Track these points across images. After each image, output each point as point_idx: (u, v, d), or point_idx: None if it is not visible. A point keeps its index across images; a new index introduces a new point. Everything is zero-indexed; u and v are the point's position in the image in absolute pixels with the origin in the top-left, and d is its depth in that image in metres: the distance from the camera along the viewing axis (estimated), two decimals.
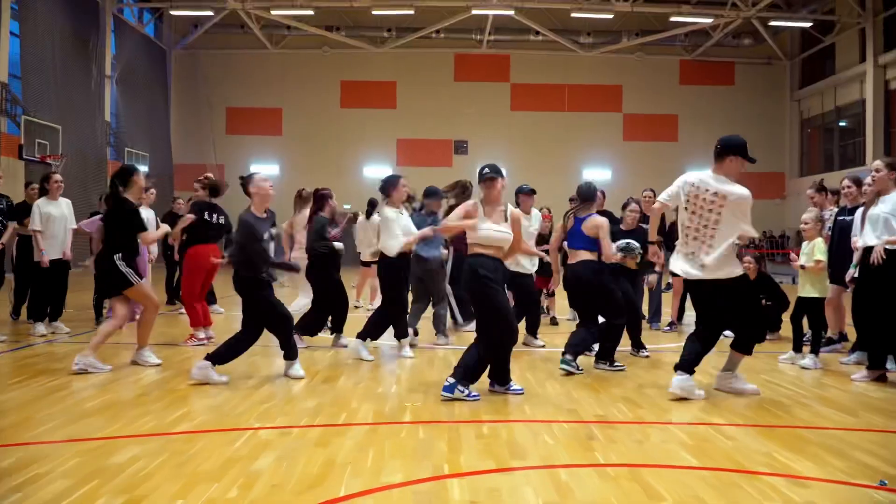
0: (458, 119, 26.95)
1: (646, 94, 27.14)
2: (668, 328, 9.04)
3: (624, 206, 7.26)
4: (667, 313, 9.37)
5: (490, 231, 5.09)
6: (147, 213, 7.92)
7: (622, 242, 6.60)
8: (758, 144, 23.45)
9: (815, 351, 6.54)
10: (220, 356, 5.50)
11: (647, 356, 6.99)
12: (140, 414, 4.54)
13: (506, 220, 5.21)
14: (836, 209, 7.52)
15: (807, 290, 6.60)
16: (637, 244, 6.57)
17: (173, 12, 24.65)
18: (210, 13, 24.45)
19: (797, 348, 6.75)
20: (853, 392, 5.50)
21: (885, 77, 22.44)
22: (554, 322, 9.62)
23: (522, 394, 5.17)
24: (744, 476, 3.47)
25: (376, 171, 24.52)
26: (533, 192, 7.76)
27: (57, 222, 7.78)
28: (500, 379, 5.23)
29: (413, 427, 4.32)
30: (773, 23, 24.05)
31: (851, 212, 7.14)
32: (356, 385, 5.54)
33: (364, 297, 11.38)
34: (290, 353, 5.78)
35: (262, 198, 5.70)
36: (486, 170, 5.26)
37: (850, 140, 24.76)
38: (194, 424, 4.33)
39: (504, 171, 5.33)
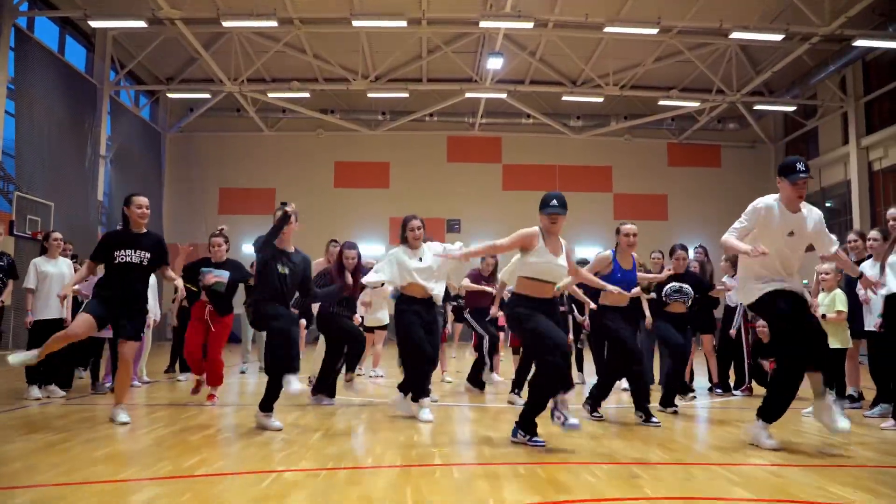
0: (450, 198, 27.21)
1: (635, 175, 27.63)
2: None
3: (671, 253, 7.39)
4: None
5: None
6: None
7: (675, 285, 6.69)
8: None
9: (841, 396, 6.40)
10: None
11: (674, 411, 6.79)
12: (153, 461, 4.30)
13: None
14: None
15: (830, 341, 6.50)
16: (690, 289, 6.63)
17: (170, 95, 25.08)
18: (207, 96, 24.89)
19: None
20: (887, 439, 5.34)
21: (869, 158, 23.03)
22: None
23: (544, 446, 4.86)
24: None
25: (369, 248, 24.47)
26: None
27: (54, 281, 7.55)
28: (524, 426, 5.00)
29: (446, 469, 4.11)
30: (757, 107, 24.78)
31: (858, 265, 7.19)
32: (375, 434, 5.31)
33: (367, 365, 11.16)
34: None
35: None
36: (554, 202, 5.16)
37: (836, 220, 25.15)
38: (214, 468, 4.10)
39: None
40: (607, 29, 18.71)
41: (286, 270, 5.85)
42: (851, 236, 7.46)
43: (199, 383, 7.43)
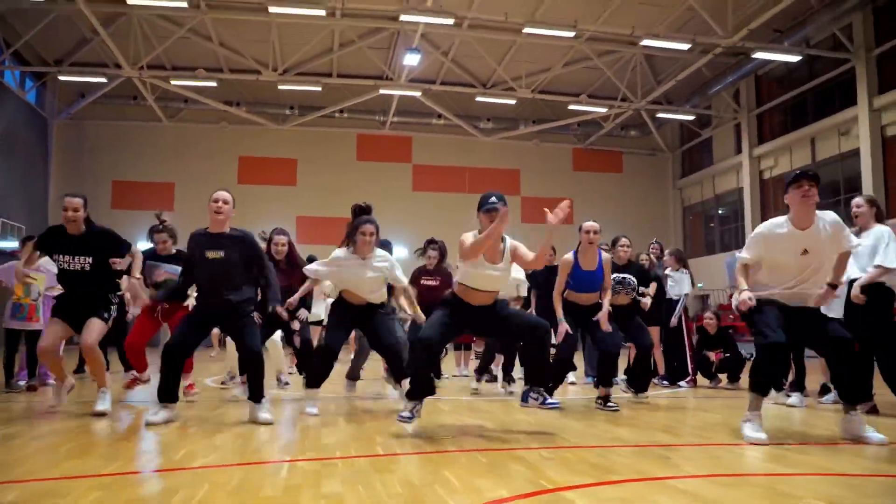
0: (359, 197, 25.91)
1: (543, 179, 28.10)
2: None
3: (613, 243, 7.20)
4: None
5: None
6: None
7: (617, 276, 6.56)
8: (645, 228, 24.67)
9: (800, 389, 6.57)
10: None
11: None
12: (140, 453, 3.81)
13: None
14: None
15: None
16: (633, 279, 6.52)
17: (62, 77, 23.33)
18: (103, 80, 23.30)
19: (778, 387, 6.76)
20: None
21: (760, 167, 24.41)
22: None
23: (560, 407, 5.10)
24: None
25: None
26: None
27: None
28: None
29: (470, 454, 3.84)
30: (659, 114, 25.75)
31: None
32: (361, 425, 4.95)
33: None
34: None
35: None
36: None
37: (728, 225, 26.54)
38: (210, 460, 3.65)
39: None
40: (526, 30, 18.96)
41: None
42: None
43: (136, 380, 6.84)
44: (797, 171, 4.70)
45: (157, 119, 25.81)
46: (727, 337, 8.63)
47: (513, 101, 24.05)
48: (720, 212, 27.23)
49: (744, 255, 4.74)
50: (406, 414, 4.58)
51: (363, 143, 27.57)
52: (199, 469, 3.41)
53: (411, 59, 20.45)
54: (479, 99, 23.95)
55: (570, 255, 6.21)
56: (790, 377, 7.40)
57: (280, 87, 23.06)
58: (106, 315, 5.49)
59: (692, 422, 5.49)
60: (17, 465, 3.47)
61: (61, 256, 5.41)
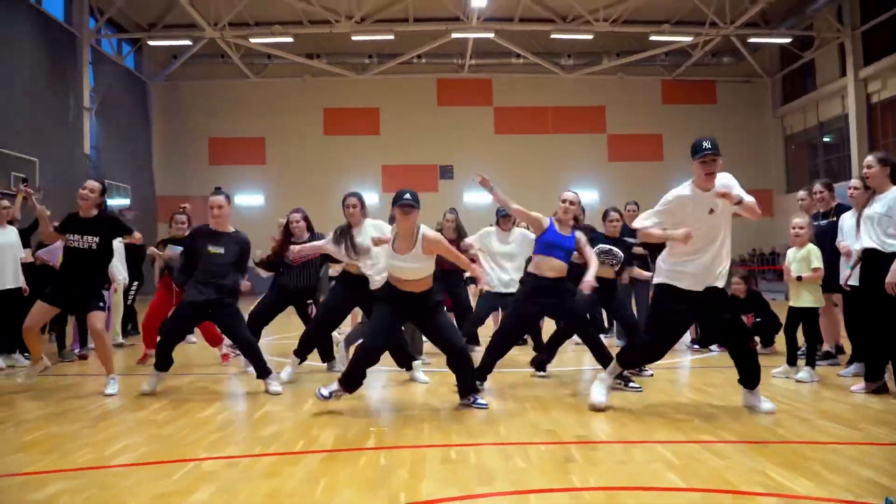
0: (442, 144, 26.75)
1: (629, 115, 27.06)
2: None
3: (604, 217, 7.00)
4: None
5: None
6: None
7: (604, 246, 6.39)
8: (743, 162, 23.39)
9: (811, 363, 6.23)
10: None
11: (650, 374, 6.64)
12: (79, 446, 4.17)
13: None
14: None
15: (802, 299, 6.29)
16: (620, 252, 6.34)
17: (151, 42, 24.44)
18: (188, 42, 24.24)
19: (792, 361, 6.45)
20: (853, 404, 5.19)
21: (867, 91, 22.44)
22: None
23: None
24: (736, 497, 3.15)
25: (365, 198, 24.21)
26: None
27: (4, 251, 7.26)
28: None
29: (374, 453, 3.98)
30: (752, 40, 24.04)
31: (826, 216, 6.97)
32: (322, 410, 5.18)
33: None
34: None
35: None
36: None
37: (834, 155, 24.71)
38: (136, 456, 3.98)
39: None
40: None
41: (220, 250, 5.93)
42: (818, 187, 7.18)
43: (146, 356, 7.44)
44: (703, 144, 4.81)
45: (244, 76, 26.66)
46: (759, 299, 8.22)
47: (590, 36, 23.08)
48: (825, 140, 25.36)
49: (653, 218, 4.97)
50: (326, 392, 5.03)
51: (443, 87, 27.41)
52: (111, 468, 3.72)
53: (479, 1, 19.97)
54: (553, 36, 23.15)
55: (546, 218, 5.96)
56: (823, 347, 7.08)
57: (353, 37, 23.13)
58: (102, 304, 6.03)
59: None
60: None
61: (72, 235, 6.01)
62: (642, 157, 26.83)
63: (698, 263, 4.84)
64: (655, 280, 5.09)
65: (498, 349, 5.83)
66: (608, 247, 6.59)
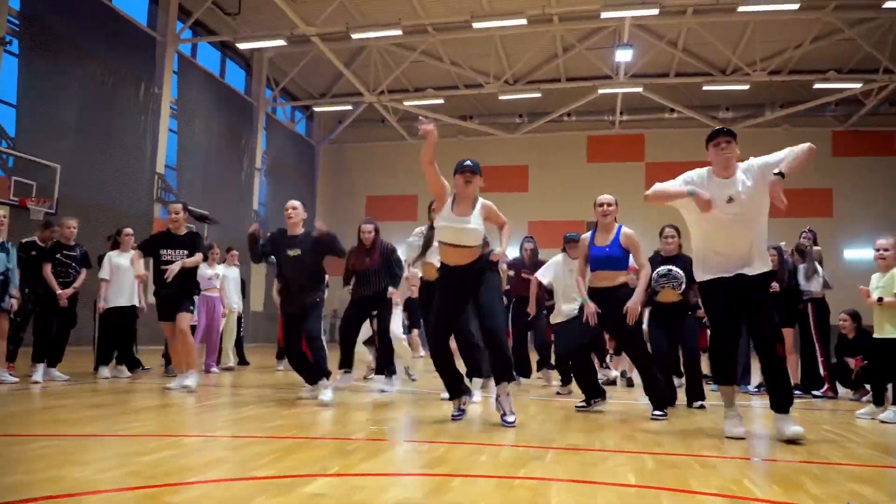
0: (591, 200, 26.28)
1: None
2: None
3: (660, 234, 6.57)
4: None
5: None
6: None
7: (662, 269, 5.99)
8: None
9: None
10: None
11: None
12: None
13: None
14: None
15: (886, 330, 5.58)
16: (680, 272, 5.94)
17: (316, 108, 26.59)
18: (349, 107, 26.10)
19: (878, 401, 5.67)
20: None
21: None
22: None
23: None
24: None
25: (509, 252, 24.37)
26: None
27: (124, 272, 8.35)
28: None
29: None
30: None
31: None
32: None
33: None
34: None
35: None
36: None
37: None
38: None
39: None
40: (741, 8, 17.41)
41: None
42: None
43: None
44: (717, 129, 4.69)
45: (401, 138, 28.11)
46: (869, 340, 7.30)
47: (746, 86, 22.14)
48: None
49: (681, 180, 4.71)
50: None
51: (593, 144, 27.30)
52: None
53: (623, 55, 19.92)
54: (706, 88, 22.46)
55: (585, 236, 5.79)
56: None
57: (501, 97, 23.78)
58: (192, 307, 6.71)
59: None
60: None
61: (166, 250, 6.80)
62: (810, 213, 24.88)
63: (720, 256, 4.52)
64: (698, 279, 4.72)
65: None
66: (666, 268, 6.08)
